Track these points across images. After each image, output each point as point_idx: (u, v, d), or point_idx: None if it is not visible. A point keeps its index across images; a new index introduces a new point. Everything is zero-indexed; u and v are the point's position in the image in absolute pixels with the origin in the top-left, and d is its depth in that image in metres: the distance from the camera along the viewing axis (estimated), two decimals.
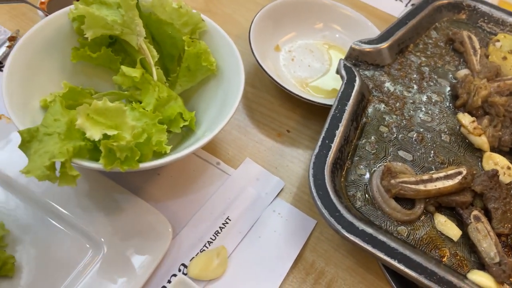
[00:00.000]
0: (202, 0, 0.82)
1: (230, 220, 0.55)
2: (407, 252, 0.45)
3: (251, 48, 0.65)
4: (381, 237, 0.46)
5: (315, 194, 0.49)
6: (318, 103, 0.63)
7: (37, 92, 0.52)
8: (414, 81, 0.65)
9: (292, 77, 0.70)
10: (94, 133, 0.42)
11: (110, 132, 0.42)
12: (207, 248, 0.53)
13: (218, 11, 0.58)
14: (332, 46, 0.76)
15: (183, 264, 0.51)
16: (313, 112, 0.69)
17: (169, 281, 0.50)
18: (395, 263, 0.44)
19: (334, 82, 0.71)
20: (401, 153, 0.57)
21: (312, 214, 0.58)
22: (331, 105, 0.63)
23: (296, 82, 0.70)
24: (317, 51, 0.74)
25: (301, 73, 0.71)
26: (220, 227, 0.54)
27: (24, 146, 0.44)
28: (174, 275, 0.50)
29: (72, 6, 0.55)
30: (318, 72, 0.72)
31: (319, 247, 0.55)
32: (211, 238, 0.53)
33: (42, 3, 0.68)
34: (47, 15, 0.61)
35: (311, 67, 0.72)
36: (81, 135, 0.46)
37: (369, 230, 0.46)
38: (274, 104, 0.69)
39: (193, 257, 0.52)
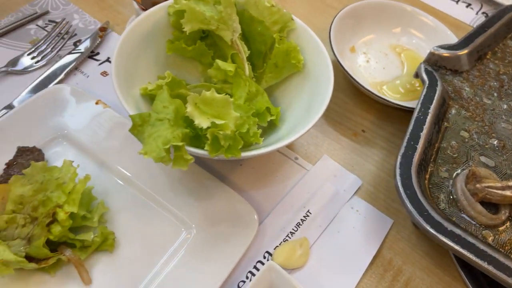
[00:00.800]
0: (278, 0, 0.84)
1: (310, 213, 0.57)
2: (495, 255, 0.46)
3: (331, 47, 0.67)
4: (469, 238, 0.47)
5: (403, 193, 0.50)
6: (397, 104, 0.64)
7: (137, 81, 0.56)
8: (493, 89, 0.65)
9: (367, 79, 0.71)
10: (203, 121, 0.45)
11: (218, 121, 0.45)
12: (290, 238, 0.55)
13: (292, 12, 0.59)
14: (406, 50, 0.76)
15: (267, 252, 0.53)
16: (387, 113, 0.70)
17: (255, 267, 0.52)
18: (484, 265, 0.45)
19: (407, 86, 0.72)
20: (483, 158, 0.57)
21: (389, 213, 0.59)
22: (407, 107, 0.65)
23: (371, 84, 0.71)
24: (391, 54, 0.75)
25: (376, 75, 0.72)
26: (301, 219, 0.56)
27: (135, 129, 0.47)
28: (260, 261, 0.53)
29: (171, 1, 0.58)
30: (392, 75, 0.73)
31: (396, 246, 0.56)
32: (293, 229, 0.55)
33: None
34: (143, 9, 0.65)
35: (386, 70, 0.73)
36: (184, 122, 0.50)
37: (457, 231, 0.47)
38: (349, 104, 0.70)
39: (277, 246, 0.54)
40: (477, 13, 0.90)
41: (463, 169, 0.55)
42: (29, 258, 0.46)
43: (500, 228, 0.51)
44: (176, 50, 0.60)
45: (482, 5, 0.92)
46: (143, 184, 0.55)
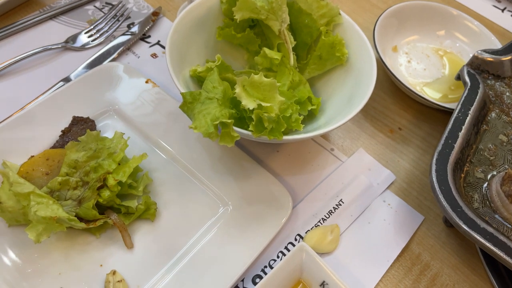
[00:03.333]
0: None
1: (343, 202, 0.58)
2: None
3: (375, 45, 0.68)
4: (501, 237, 0.47)
5: (437, 189, 0.51)
6: (437, 104, 0.65)
7: (187, 63, 0.59)
8: None
9: (407, 78, 0.72)
10: (249, 103, 0.47)
11: (264, 104, 0.47)
12: (321, 224, 0.56)
13: None
14: (449, 53, 0.77)
15: (299, 235, 0.55)
16: (424, 113, 0.70)
17: (286, 248, 0.54)
18: None
19: (447, 89, 0.72)
20: None
21: (420, 210, 0.60)
22: (446, 108, 0.65)
23: (411, 83, 0.72)
24: (433, 56, 0.76)
25: (416, 75, 0.73)
26: (333, 208, 0.58)
27: (186, 106, 0.50)
28: (291, 243, 0.55)
29: None
30: (433, 76, 0.73)
31: (425, 241, 0.57)
32: (325, 216, 0.57)
33: None
34: None
35: (426, 71, 0.74)
36: (230, 103, 0.52)
37: (490, 229, 0.48)
38: (387, 101, 0.71)
39: (309, 230, 0.56)
40: None
41: (499, 171, 0.56)
42: (79, 218, 0.50)
43: None
44: (226, 37, 0.62)
45: None
46: (185, 160, 0.58)
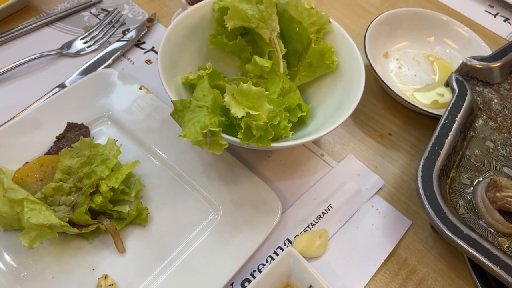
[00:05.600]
0: (317, 3, 0.87)
1: (332, 207, 0.60)
2: (509, 261, 0.48)
3: (365, 51, 0.69)
4: (484, 243, 0.49)
5: (422, 195, 0.52)
6: (426, 111, 0.66)
7: (179, 70, 0.60)
8: None
9: (397, 84, 0.73)
10: (238, 111, 0.48)
11: (252, 112, 0.48)
12: (310, 229, 0.58)
13: (330, 15, 0.62)
14: (439, 59, 0.78)
15: (288, 239, 0.57)
16: (414, 119, 0.71)
17: (275, 252, 0.55)
18: (497, 269, 0.47)
19: (437, 95, 0.73)
20: (505, 169, 0.58)
21: (408, 215, 0.61)
22: (435, 114, 0.66)
23: (401, 90, 0.73)
24: (424, 62, 0.77)
25: (406, 81, 0.74)
26: (322, 212, 0.59)
27: (176, 114, 0.51)
28: (280, 247, 0.56)
29: None
30: (423, 82, 0.75)
31: (412, 246, 0.58)
32: (314, 221, 0.58)
33: None
34: (189, 3, 0.69)
35: (417, 77, 0.75)
36: (220, 111, 0.53)
37: (473, 235, 0.49)
38: (378, 107, 0.72)
39: (297, 235, 0.57)
40: None
41: (485, 178, 0.57)
42: (71, 224, 0.51)
43: None
44: (218, 44, 0.63)
45: None
46: (177, 166, 0.59)
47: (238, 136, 0.50)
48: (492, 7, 0.95)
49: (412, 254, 0.58)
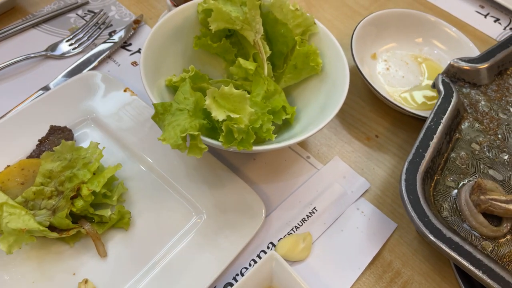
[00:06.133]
0: (305, 4, 0.86)
1: (316, 210, 0.59)
2: (492, 265, 0.47)
3: (352, 53, 0.69)
4: (467, 247, 0.48)
5: (406, 198, 0.52)
6: (412, 113, 0.65)
7: (163, 72, 0.59)
8: (510, 104, 0.66)
9: (385, 86, 0.73)
10: (219, 114, 0.48)
11: (233, 115, 0.48)
12: (294, 232, 0.57)
13: (319, 16, 0.62)
14: (427, 60, 0.77)
15: (271, 243, 0.56)
16: (402, 121, 0.71)
17: (258, 256, 0.55)
18: (479, 273, 0.46)
19: (425, 96, 0.73)
20: (491, 172, 0.58)
21: (393, 218, 0.60)
22: (422, 116, 0.66)
23: (388, 91, 0.72)
24: (412, 63, 0.77)
25: (394, 83, 0.74)
26: (307, 215, 0.59)
27: (157, 117, 0.50)
28: (263, 251, 0.55)
29: (201, 0, 0.62)
30: (411, 84, 0.74)
31: (397, 249, 0.58)
32: (298, 224, 0.58)
33: None
34: (174, 5, 0.68)
35: (405, 78, 0.74)
36: (202, 114, 0.53)
37: (456, 238, 0.49)
38: (365, 109, 0.72)
39: (281, 238, 0.56)
40: (504, 28, 0.90)
41: (470, 180, 0.57)
42: (52, 228, 0.51)
43: (501, 240, 0.52)
44: (202, 46, 0.63)
45: (510, 21, 0.92)
46: (160, 169, 0.59)
47: (219, 140, 0.49)
48: (482, 7, 0.95)
49: (397, 257, 0.57)
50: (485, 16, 0.93)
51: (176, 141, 0.46)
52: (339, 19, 0.86)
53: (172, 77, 0.59)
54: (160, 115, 0.50)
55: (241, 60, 0.60)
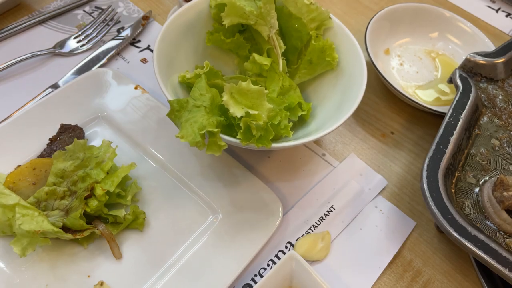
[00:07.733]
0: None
1: (334, 209, 0.58)
2: None
3: (366, 48, 0.67)
4: (492, 244, 0.47)
5: (428, 196, 0.50)
6: (429, 108, 0.64)
7: (176, 69, 0.58)
8: None
9: (399, 81, 0.72)
10: (237, 111, 0.46)
11: (252, 111, 0.47)
12: (312, 231, 0.56)
13: (330, 11, 0.60)
14: (441, 56, 0.76)
15: (289, 242, 0.55)
16: (417, 117, 0.70)
17: (276, 256, 0.54)
18: (505, 271, 0.45)
19: (439, 92, 0.72)
20: None
21: (412, 216, 0.59)
22: (439, 112, 0.65)
23: (403, 87, 0.71)
24: (426, 58, 0.75)
25: (408, 78, 0.73)
26: (325, 214, 0.57)
27: (173, 114, 0.49)
28: (281, 251, 0.54)
29: None
30: (425, 79, 0.73)
31: (417, 247, 0.57)
32: (316, 223, 0.57)
33: None
34: (185, 0, 0.67)
35: (419, 74, 0.73)
36: (218, 110, 0.52)
37: (481, 236, 0.47)
38: (380, 105, 0.71)
39: (299, 237, 0.55)
40: None
41: (491, 177, 0.55)
42: (66, 229, 0.49)
43: None
44: (215, 42, 0.62)
45: None
46: (174, 168, 0.57)
47: (237, 137, 0.48)
48: (494, 2, 0.94)
49: (417, 256, 0.56)
50: (497, 10, 0.92)
51: (194, 139, 0.45)
52: (349, 14, 0.84)
53: (186, 73, 0.57)
54: (176, 112, 0.49)
55: (256, 56, 0.58)
